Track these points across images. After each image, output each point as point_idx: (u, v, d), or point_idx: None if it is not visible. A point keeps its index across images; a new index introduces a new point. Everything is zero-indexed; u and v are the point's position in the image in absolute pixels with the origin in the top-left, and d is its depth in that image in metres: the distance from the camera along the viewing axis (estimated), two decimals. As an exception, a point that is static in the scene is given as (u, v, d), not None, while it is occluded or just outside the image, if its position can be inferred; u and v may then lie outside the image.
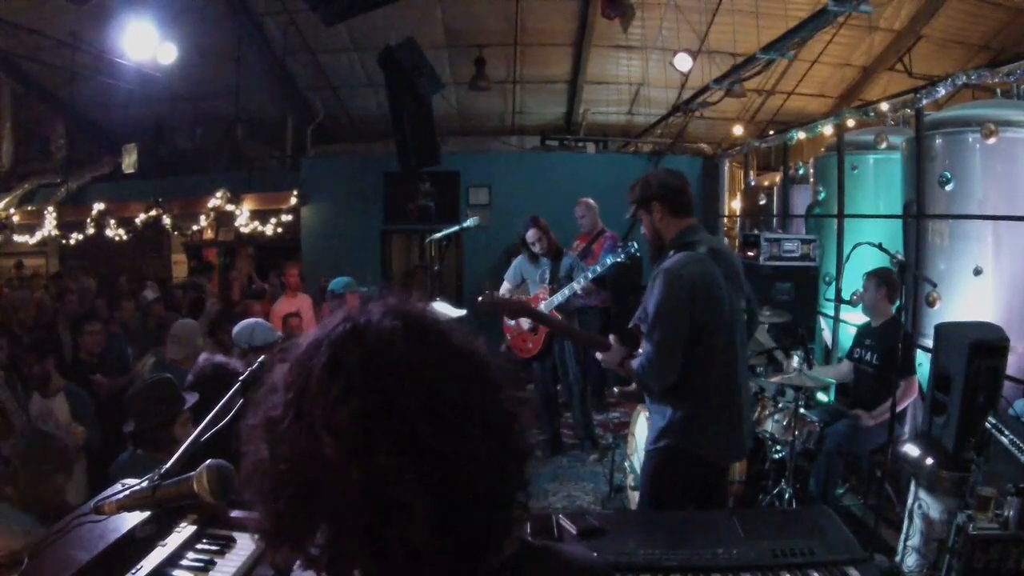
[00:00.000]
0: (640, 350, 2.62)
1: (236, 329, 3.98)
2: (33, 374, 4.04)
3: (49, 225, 11.01)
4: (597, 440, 5.47)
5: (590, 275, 4.82)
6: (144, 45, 6.20)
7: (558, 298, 5.03)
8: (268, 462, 0.79)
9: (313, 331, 0.84)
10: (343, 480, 0.74)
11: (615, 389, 2.99)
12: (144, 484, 1.41)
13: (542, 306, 5.15)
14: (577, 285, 4.86)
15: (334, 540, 0.77)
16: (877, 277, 4.19)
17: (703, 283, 2.50)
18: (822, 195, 6.27)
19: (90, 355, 4.83)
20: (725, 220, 9.63)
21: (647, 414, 3.38)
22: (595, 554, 0.98)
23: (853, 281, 4.46)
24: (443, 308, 2.77)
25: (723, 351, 2.56)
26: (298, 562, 0.81)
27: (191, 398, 2.68)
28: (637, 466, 3.74)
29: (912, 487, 3.16)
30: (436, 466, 0.75)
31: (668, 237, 2.66)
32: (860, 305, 4.39)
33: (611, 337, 2.82)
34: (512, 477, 0.82)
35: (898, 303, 4.20)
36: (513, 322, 5.34)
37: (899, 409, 4.05)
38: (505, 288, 5.48)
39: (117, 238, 10.82)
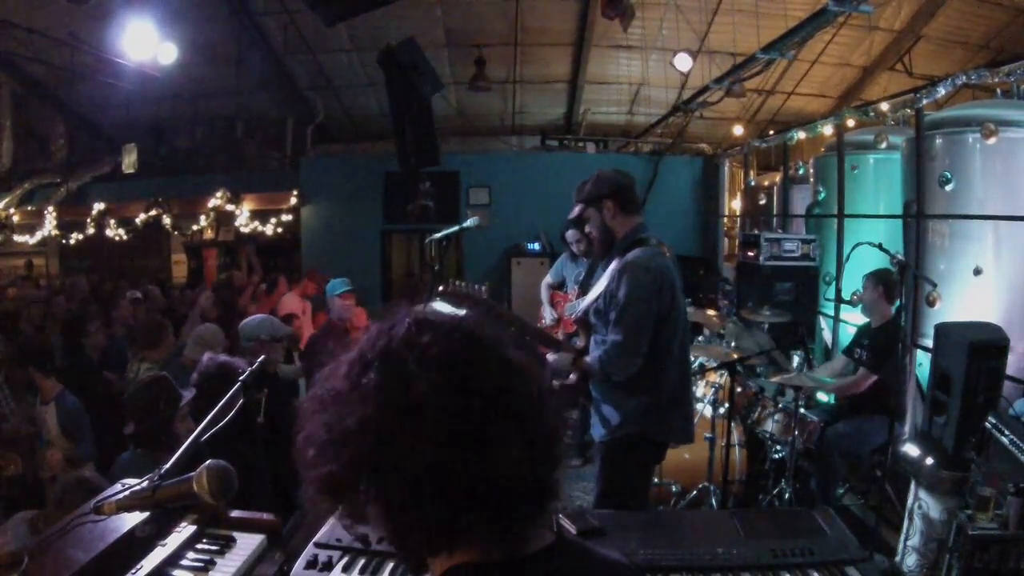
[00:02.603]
0: (591, 343, 2.75)
1: (253, 322, 3.89)
2: (16, 379, 3.98)
3: (49, 225, 11.01)
4: (587, 447, 5.48)
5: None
6: (144, 45, 6.18)
7: (579, 302, 5.02)
8: (336, 431, 0.81)
9: (374, 327, 0.88)
10: (424, 424, 0.78)
11: (554, 383, 3.02)
12: (144, 484, 1.41)
13: (566, 308, 5.15)
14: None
15: (394, 498, 0.80)
16: (875, 277, 4.20)
17: (668, 275, 2.66)
18: (822, 195, 6.27)
19: (96, 351, 4.78)
20: (725, 220, 9.63)
21: None
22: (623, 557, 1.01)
23: (853, 281, 4.46)
24: (443, 307, 2.77)
25: (680, 340, 2.72)
26: (301, 560, 0.82)
27: (188, 393, 2.68)
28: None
29: (912, 487, 3.15)
30: (511, 418, 0.80)
31: (619, 234, 2.75)
32: (860, 306, 4.39)
33: (560, 335, 2.90)
34: (549, 467, 0.86)
35: (898, 303, 4.20)
36: (547, 316, 5.36)
37: (841, 391, 4.19)
38: (546, 283, 5.52)
39: (117, 238, 10.83)
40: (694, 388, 4.69)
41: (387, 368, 0.81)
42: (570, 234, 5.17)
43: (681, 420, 2.77)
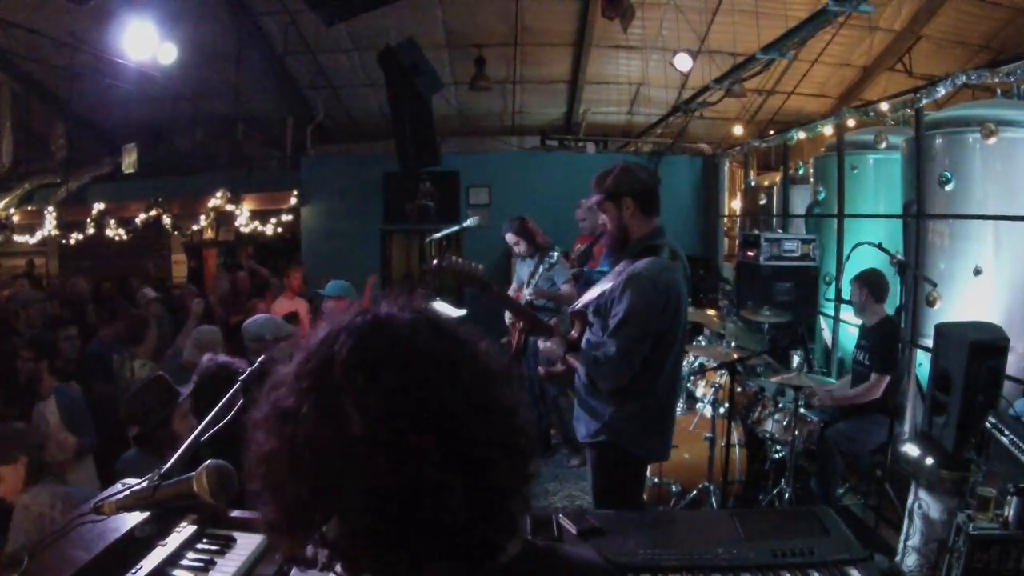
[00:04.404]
0: (583, 339, 2.67)
1: (257, 322, 3.88)
2: (27, 371, 3.98)
3: (49, 225, 11.02)
4: (579, 446, 5.44)
5: (536, 286, 4.78)
6: (144, 45, 6.18)
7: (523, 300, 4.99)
8: (281, 452, 0.79)
9: (324, 327, 0.85)
10: (369, 462, 0.75)
11: (540, 370, 2.98)
12: (144, 484, 1.41)
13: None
14: (527, 292, 4.82)
15: (350, 527, 0.78)
16: (860, 280, 4.21)
17: (674, 292, 2.54)
18: (822, 195, 6.27)
19: (67, 362, 4.73)
20: (725, 220, 9.63)
21: None
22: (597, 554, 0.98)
23: (854, 281, 4.47)
24: (443, 308, 2.77)
25: (674, 358, 2.64)
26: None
27: (185, 390, 2.68)
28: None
29: (912, 487, 3.16)
30: (463, 447, 0.77)
31: (635, 236, 2.64)
32: (854, 308, 4.39)
33: (553, 321, 2.85)
34: (524, 467, 0.84)
35: (898, 303, 4.20)
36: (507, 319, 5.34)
37: (855, 400, 4.10)
38: (512, 290, 5.49)
39: (117, 238, 10.83)
40: (694, 388, 4.69)
41: (321, 397, 0.78)
42: (508, 237, 5.16)
43: (659, 438, 2.72)
